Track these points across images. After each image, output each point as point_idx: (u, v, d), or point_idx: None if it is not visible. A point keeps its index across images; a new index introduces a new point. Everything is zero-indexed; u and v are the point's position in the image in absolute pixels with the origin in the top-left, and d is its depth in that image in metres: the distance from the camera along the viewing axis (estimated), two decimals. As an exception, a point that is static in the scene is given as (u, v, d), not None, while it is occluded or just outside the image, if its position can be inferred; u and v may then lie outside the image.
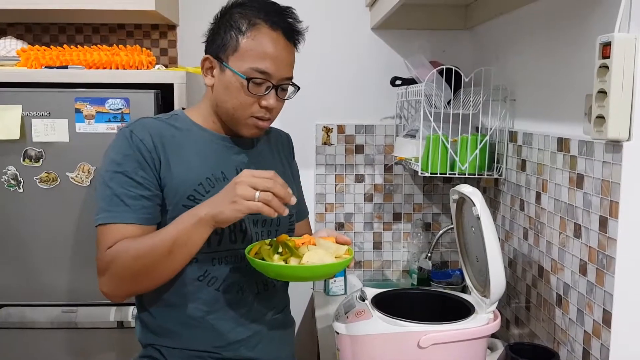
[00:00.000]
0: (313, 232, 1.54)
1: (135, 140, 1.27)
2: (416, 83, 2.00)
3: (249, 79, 1.27)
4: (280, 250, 1.26)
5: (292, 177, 1.54)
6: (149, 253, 1.20)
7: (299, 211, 1.56)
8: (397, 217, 2.34)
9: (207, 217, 1.17)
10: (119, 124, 1.72)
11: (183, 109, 1.43)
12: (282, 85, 1.32)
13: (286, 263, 1.22)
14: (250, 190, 1.14)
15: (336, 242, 1.34)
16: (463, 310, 1.42)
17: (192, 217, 1.19)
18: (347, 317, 1.40)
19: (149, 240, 1.22)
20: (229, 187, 1.17)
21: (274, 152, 1.50)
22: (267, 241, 1.30)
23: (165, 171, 1.28)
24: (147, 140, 1.27)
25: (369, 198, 2.33)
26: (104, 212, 1.25)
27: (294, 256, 1.23)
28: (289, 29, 1.31)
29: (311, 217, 2.26)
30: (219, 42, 1.30)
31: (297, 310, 2.34)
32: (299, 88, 1.37)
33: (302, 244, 1.29)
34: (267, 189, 1.14)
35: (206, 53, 1.34)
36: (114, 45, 1.89)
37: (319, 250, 1.25)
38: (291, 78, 1.34)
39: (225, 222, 1.19)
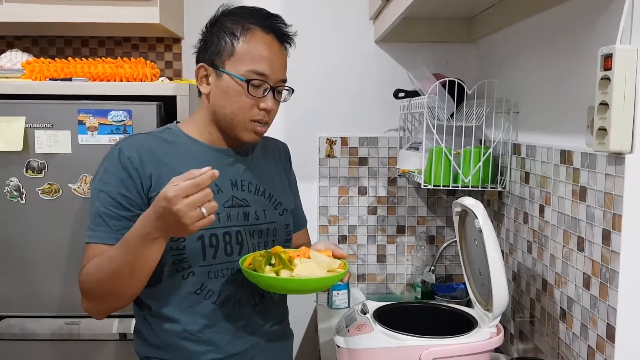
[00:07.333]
0: (312, 242, 1.54)
1: (122, 159, 1.27)
2: (419, 95, 2.00)
3: (248, 81, 1.28)
4: (273, 261, 1.26)
5: (289, 186, 1.54)
6: (110, 280, 1.21)
7: (296, 221, 1.55)
8: (400, 230, 2.33)
9: (160, 239, 1.15)
10: (122, 136, 1.72)
11: (177, 122, 1.43)
12: (278, 88, 1.34)
13: (277, 275, 1.22)
14: (196, 211, 1.07)
15: (332, 255, 1.33)
16: (466, 324, 1.41)
17: (144, 240, 1.14)
18: (348, 331, 1.39)
19: (107, 266, 1.20)
20: (168, 214, 1.08)
21: (270, 161, 1.50)
22: (262, 252, 1.30)
23: (157, 186, 1.26)
24: (135, 158, 1.27)
25: (372, 211, 2.32)
26: (89, 230, 1.28)
27: (286, 268, 1.24)
28: (280, 33, 1.35)
29: (314, 229, 2.26)
30: (212, 49, 1.31)
31: (300, 323, 2.32)
32: (293, 90, 1.39)
33: (297, 256, 1.29)
34: (205, 198, 1.08)
35: (199, 62, 1.35)
36: (119, 57, 1.91)
37: (311, 264, 1.25)
38: (286, 80, 1.36)
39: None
